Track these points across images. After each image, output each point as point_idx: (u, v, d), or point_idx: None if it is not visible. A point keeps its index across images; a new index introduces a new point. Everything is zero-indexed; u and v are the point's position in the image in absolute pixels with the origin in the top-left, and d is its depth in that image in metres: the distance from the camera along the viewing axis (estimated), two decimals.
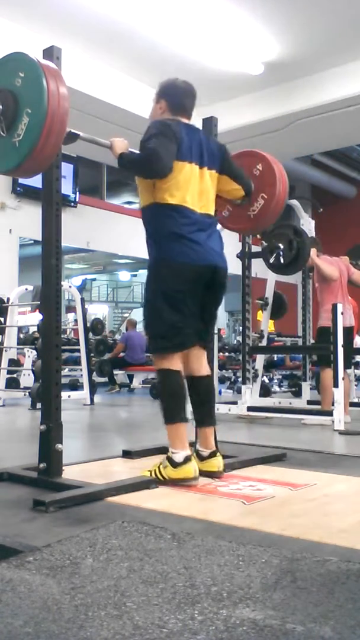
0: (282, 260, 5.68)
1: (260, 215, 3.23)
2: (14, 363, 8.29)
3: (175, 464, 2.57)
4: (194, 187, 2.68)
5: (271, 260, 5.78)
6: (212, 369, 3.33)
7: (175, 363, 2.68)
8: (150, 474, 2.63)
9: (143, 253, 2.81)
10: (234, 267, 5.85)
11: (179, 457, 2.57)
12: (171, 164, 2.57)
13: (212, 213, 2.81)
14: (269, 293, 6.80)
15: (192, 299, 2.70)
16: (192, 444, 2.93)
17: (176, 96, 2.80)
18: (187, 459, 2.57)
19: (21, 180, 10.51)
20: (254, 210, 3.23)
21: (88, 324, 8.13)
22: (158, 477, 2.60)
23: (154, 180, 2.64)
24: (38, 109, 2.19)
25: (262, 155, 3.24)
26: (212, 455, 2.78)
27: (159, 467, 2.63)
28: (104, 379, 9.68)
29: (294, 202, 6.74)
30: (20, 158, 2.25)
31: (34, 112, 2.20)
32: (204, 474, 2.71)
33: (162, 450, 3.18)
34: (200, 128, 3.45)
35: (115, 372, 9.72)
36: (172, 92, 2.81)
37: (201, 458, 2.78)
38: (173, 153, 2.57)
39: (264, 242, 5.92)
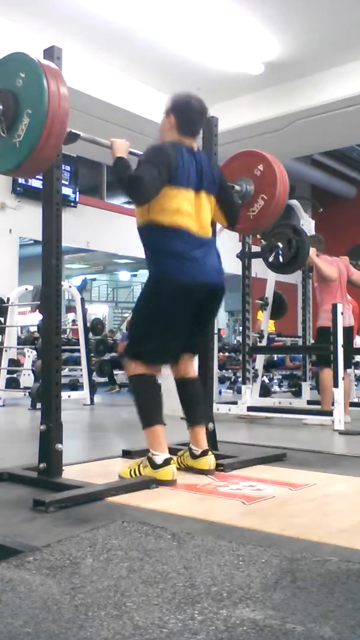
0: (281, 259, 5.68)
1: (260, 215, 3.23)
2: (14, 363, 8.29)
3: (155, 466, 2.60)
4: (189, 212, 2.68)
5: (270, 259, 5.78)
6: (212, 369, 3.35)
7: (150, 368, 2.73)
8: (130, 473, 2.66)
9: (143, 253, 2.81)
10: (234, 267, 5.85)
11: (159, 459, 2.61)
12: (154, 191, 2.57)
13: (210, 235, 2.81)
14: (269, 293, 6.80)
15: (186, 316, 2.72)
16: (186, 444, 2.95)
17: (188, 116, 2.75)
18: (166, 462, 2.61)
19: (21, 180, 10.51)
20: (254, 211, 3.24)
21: (88, 324, 8.13)
22: (136, 476, 2.64)
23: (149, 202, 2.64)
24: (38, 110, 2.19)
25: (263, 155, 3.24)
26: (204, 453, 2.84)
27: (138, 467, 2.67)
28: (104, 379, 9.68)
29: (294, 202, 6.74)
30: (21, 158, 2.25)
31: (34, 112, 2.20)
32: (196, 471, 2.81)
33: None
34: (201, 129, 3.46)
35: (115, 372, 9.72)
36: (186, 110, 2.75)
37: (194, 456, 2.85)
38: (161, 181, 2.58)
39: (263, 241, 5.92)
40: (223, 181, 2.90)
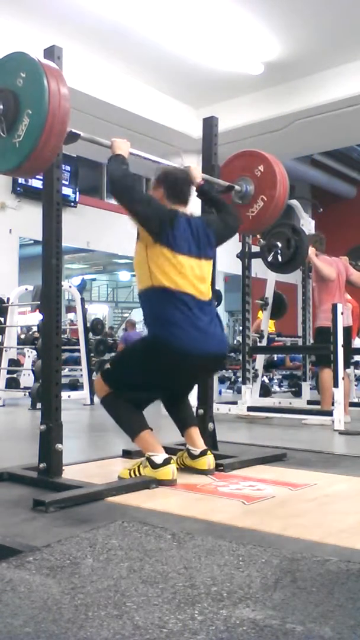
0: (279, 259, 5.69)
1: (259, 216, 3.23)
2: (14, 363, 8.29)
3: (155, 465, 2.61)
4: (191, 277, 2.67)
5: (269, 259, 5.78)
6: None
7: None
8: (129, 474, 2.67)
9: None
10: (234, 267, 5.84)
11: (158, 459, 2.62)
12: (132, 209, 2.60)
13: (210, 299, 2.80)
14: (269, 293, 6.80)
15: (176, 382, 2.78)
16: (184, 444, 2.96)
17: (176, 186, 2.80)
18: (166, 461, 2.62)
19: (21, 180, 10.52)
20: (253, 212, 3.24)
21: (88, 324, 8.13)
22: (136, 476, 2.64)
23: (150, 267, 2.64)
24: (39, 110, 2.18)
25: (264, 155, 3.24)
26: (204, 453, 2.85)
27: (138, 467, 2.67)
28: None
29: (294, 202, 6.74)
30: (21, 158, 2.24)
31: (34, 112, 2.20)
32: (195, 471, 2.82)
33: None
34: (200, 129, 3.45)
35: None
36: (172, 181, 2.80)
37: (192, 457, 2.86)
38: (152, 210, 2.61)
39: (262, 240, 5.92)
40: (218, 228, 2.89)
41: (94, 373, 7.74)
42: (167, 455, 2.64)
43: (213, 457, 2.88)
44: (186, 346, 2.58)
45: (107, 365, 2.88)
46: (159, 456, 2.62)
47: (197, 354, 2.62)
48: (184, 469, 2.88)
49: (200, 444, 2.87)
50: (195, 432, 2.88)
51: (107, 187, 13.71)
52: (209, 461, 2.84)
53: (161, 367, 2.64)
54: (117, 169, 2.63)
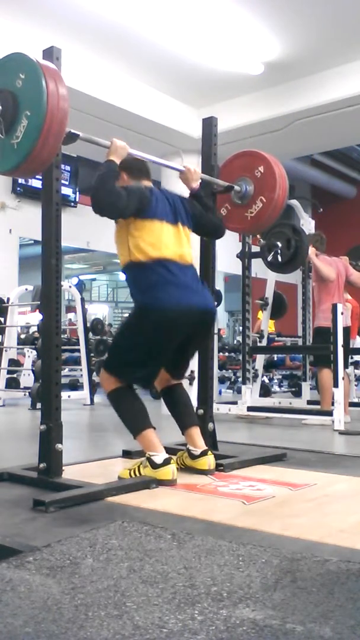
0: (279, 259, 5.68)
1: (258, 217, 3.23)
2: (14, 363, 8.30)
3: (155, 465, 2.61)
4: (170, 244, 2.71)
5: (269, 259, 5.78)
6: (212, 369, 3.35)
7: (125, 381, 2.77)
8: (129, 474, 2.67)
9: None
10: (234, 267, 5.84)
11: (158, 458, 2.62)
12: (122, 215, 2.64)
13: (191, 264, 2.83)
14: (269, 293, 6.80)
15: (173, 344, 2.74)
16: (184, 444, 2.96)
17: (133, 166, 2.84)
18: (166, 461, 2.62)
19: (21, 180, 10.51)
20: (252, 212, 3.24)
21: (88, 324, 8.13)
22: (137, 476, 2.64)
23: (129, 242, 2.70)
24: (37, 111, 2.18)
25: (264, 157, 3.23)
26: (204, 453, 2.85)
27: (138, 467, 2.68)
28: None
29: (294, 202, 6.74)
30: (19, 159, 2.24)
31: (33, 113, 2.20)
32: (196, 471, 2.82)
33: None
34: (200, 129, 3.46)
35: None
36: (127, 163, 2.82)
37: (193, 457, 2.86)
38: (132, 209, 2.63)
39: (262, 240, 5.92)
40: (195, 208, 2.92)
41: (94, 373, 7.74)
42: (167, 455, 2.64)
43: (213, 457, 2.88)
44: (170, 304, 2.63)
45: (106, 355, 2.91)
46: (159, 456, 2.62)
47: (182, 309, 2.65)
48: (184, 469, 2.88)
49: (200, 444, 2.87)
50: (196, 432, 2.89)
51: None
52: (209, 461, 2.84)
53: (152, 332, 2.65)
54: (108, 178, 2.61)
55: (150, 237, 2.67)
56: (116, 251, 2.82)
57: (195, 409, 3.27)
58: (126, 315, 19.18)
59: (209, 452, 2.87)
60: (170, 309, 2.62)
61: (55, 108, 2.18)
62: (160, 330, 2.65)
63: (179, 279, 2.69)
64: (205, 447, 2.89)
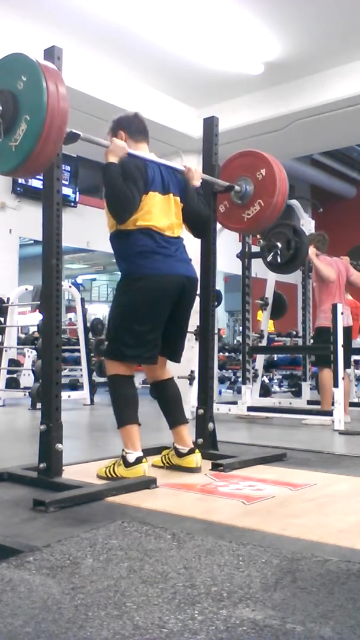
0: (279, 260, 5.68)
1: (255, 219, 3.24)
2: (14, 363, 8.29)
3: (127, 464, 2.64)
4: (157, 213, 2.73)
5: (268, 259, 5.78)
6: (212, 369, 3.35)
7: (129, 369, 2.79)
8: (105, 472, 2.70)
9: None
10: (234, 267, 5.84)
11: (131, 457, 2.65)
12: (132, 214, 2.65)
13: (180, 235, 2.85)
14: (269, 293, 6.80)
15: (163, 310, 2.75)
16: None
17: (132, 123, 2.86)
18: (138, 460, 2.65)
19: (21, 180, 10.50)
20: (249, 214, 3.24)
21: (88, 324, 8.13)
22: (111, 475, 2.67)
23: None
24: (37, 112, 2.18)
25: (267, 159, 3.22)
26: (191, 451, 2.86)
27: (113, 465, 2.70)
28: (104, 379, 9.66)
29: (294, 202, 6.74)
30: (19, 159, 2.24)
31: (33, 113, 2.19)
32: (182, 469, 2.84)
33: (163, 450, 3.19)
34: (201, 129, 3.46)
35: None
36: (127, 121, 2.86)
37: (180, 455, 2.88)
38: (133, 185, 2.63)
39: (262, 240, 5.92)
40: (188, 188, 2.91)
41: (94, 373, 7.74)
42: (140, 454, 2.66)
43: (200, 455, 2.89)
44: (154, 271, 2.67)
45: (106, 343, 2.93)
46: (133, 454, 2.65)
47: (166, 277, 2.69)
48: (171, 467, 2.90)
49: (188, 443, 2.88)
50: (184, 430, 2.90)
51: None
52: (196, 459, 2.85)
53: (141, 300, 2.68)
54: (110, 180, 2.62)
55: (140, 208, 2.67)
56: (106, 220, 2.81)
57: (195, 409, 3.27)
58: None
59: (197, 450, 2.89)
60: (154, 276, 2.67)
61: (55, 109, 2.18)
62: (148, 298, 2.68)
63: (165, 249, 2.72)
64: (193, 446, 2.90)
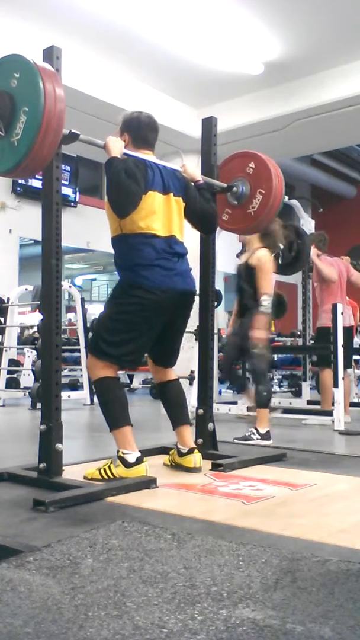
0: (280, 261, 5.68)
1: (260, 211, 3.23)
2: (14, 363, 8.30)
3: (128, 465, 2.63)
4: (159, 213, 2.72)
5: None
6: (212, 369, 3.35)
7: (113, 371, 2.77)
8: (100, 473, 2.68)
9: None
10: (234, 267, 5.82)
11: (131, 457, 2.64)
12: (135, 207, 2.63)
13: (180, 237, 2.82)
14: None
15: (154, 325, 2.75)
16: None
17: (139, 130, 2.83)
18: (139, 460, 2.65)
19: (21, 180, 10.52)
20: (254, 207, 3.24)
21: (88, 324, 8.13)
22: (108, 476, 2.65)
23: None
24: (35, 108, 2.20)
25: (254, 153, 3.26)
26: (191, 451, 2.88)
27: (109, 466, 2.69)
28: None
29: (294, 202, 6.74)
30: (19, 157, 2.25)
31: (30, 110, 2.21)
32: (182, 469, 2.87)
33: (163, 450, 3.20)
34: (200, 129, 3.46)
35: None
36: (136, 126, 2.83)
37: (180, 454, 2.90)
38: (134, 182, 2.61)
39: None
40: (189, 188, 2.90)
41: None
42: (139, 454, 2.66)
43: (200, 455, 2.90)
44: (153, 285, 2.66)
45: (91, 339, 2.92)
46: (132, 454, 2.64)
47: (164, 291, 2.68)
48: (174, 467, 2.93)
49: (189, 443, 2.90)
50: (185, 430, 2.91)
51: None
52: (194, 459, 2.86)
53: (135, 309, 2.67)
54: (114, 175, 2.59)
55: (140, 209, 2.66)
56: (108, 224, 2.79)
57: (195, 409, 3.27)
58: None
59: (196, 451, 2.90)
60: (152, 287, 2.66)
61: (52, 106, 2.20)
62: (141, 308, 2.67)
63: (166, 260, 2.71)
64: (193, 446, 2.91)
